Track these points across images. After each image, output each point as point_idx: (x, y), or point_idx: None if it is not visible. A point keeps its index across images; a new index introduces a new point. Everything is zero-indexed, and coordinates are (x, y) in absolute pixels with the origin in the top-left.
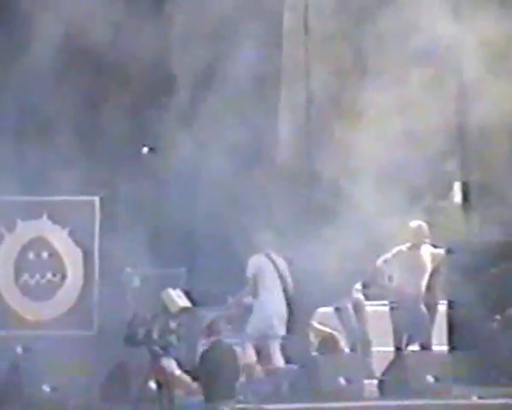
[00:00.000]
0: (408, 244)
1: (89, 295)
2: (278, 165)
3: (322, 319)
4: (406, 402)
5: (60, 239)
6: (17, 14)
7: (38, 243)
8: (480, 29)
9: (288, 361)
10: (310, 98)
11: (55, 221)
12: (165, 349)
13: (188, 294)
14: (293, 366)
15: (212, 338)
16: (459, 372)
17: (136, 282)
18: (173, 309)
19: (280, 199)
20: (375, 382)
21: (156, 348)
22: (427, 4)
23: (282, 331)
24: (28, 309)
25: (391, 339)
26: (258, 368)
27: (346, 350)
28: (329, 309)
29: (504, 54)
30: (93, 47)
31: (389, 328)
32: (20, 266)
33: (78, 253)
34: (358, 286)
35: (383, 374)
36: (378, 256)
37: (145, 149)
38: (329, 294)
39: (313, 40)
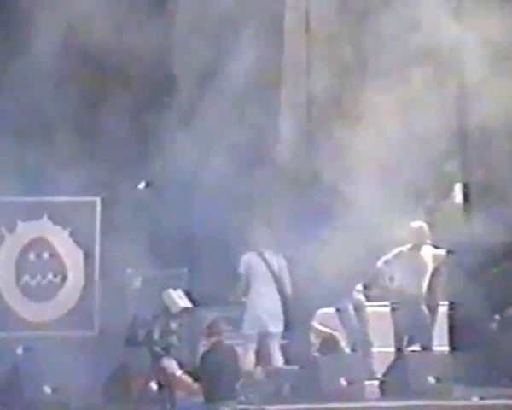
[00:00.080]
0: (409, 245)
1: (90, 295)
2: (279, 165)
3: (323, 319)
4: (407, 403)
5: (60, 240)
6: (17, 14)
7: (39, 243)
8: (481, 29)
9: (288, 362)
10: (310, 98)
11: (55, 222)
12: (166, 350)
13: (189, 295)
14: (294, 367)
15: (213, 339)
16: (460, 373)
17: (137, 283)
18: (174, 310)
19: (281, 199)
20: (376, 382)
21: (157, 348)
22: (429, 4)
23: (275, 328)
24: (29, 310)
25: (392, 340)
26: (259, 369)
27: (347, 351)
28: (330, 310)
29: (506, 54)
30: (94, 47)
31: (390, 329)
32: (20, 267)
33: (79, 254)
34: (359, 287)
35: (384, 375)
36: (379, 257)
37: (142, 184)
38: (330, 295)
39: (314, 40)
